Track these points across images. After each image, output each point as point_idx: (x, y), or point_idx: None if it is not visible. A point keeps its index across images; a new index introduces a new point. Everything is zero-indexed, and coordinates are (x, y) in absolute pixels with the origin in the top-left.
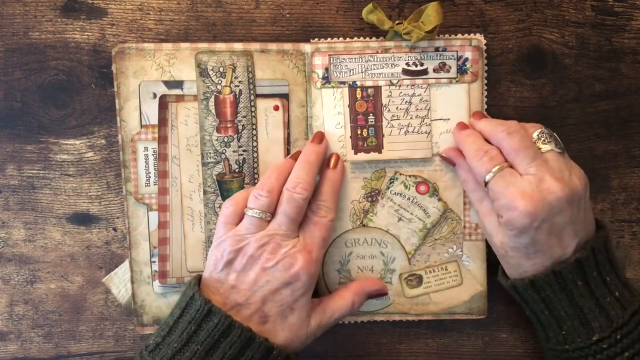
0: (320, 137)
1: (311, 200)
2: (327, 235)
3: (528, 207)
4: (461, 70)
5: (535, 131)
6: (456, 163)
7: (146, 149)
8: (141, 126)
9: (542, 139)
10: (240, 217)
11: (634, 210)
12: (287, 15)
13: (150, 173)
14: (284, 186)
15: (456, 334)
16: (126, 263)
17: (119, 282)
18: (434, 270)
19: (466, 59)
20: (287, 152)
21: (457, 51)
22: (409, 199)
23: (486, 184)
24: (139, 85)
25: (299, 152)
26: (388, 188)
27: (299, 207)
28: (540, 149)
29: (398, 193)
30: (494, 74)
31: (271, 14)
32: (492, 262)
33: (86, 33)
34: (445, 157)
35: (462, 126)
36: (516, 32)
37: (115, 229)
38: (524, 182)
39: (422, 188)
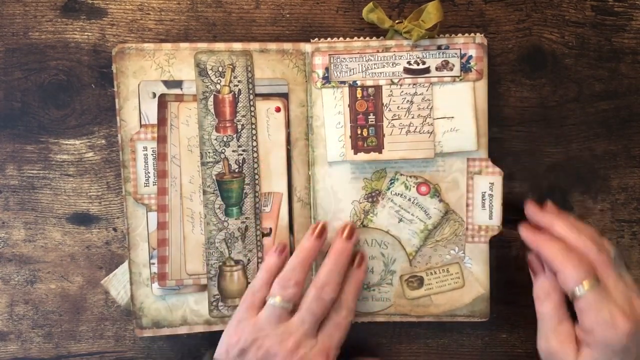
0: (351, 232)
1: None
2: (344, 336)
3: (629, 326)
4: (465, 68)
5: (612, 250)
6: (537, 274)
7: (145, 148)
8: (140, 126)
9: (617, 259)
10: (263, 302)
11: (634, 210)
12: (287, 16)
13: (149, 173)
14: (312, 283)
15: (456, 334)
16: (125, 264)
17: (118, 284)
18: (435, 272)
19: (470, 57)
20: (288, 152)
21: (460, 49)
22: (409, 199)
23: (576, 296)
24: (139, 85)
25: (321, 227)
26: (388, 189)
27: (326, 308)
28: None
29: (398, 194)
30: (494, 74)
31: (271, 14)
32: (495, 265)
33: (86, 33)
34: (531, 266)
35: (533, 227)
36: (516, 32)
37: (115, 229)
38: (620, 300)
39: (423, 189)
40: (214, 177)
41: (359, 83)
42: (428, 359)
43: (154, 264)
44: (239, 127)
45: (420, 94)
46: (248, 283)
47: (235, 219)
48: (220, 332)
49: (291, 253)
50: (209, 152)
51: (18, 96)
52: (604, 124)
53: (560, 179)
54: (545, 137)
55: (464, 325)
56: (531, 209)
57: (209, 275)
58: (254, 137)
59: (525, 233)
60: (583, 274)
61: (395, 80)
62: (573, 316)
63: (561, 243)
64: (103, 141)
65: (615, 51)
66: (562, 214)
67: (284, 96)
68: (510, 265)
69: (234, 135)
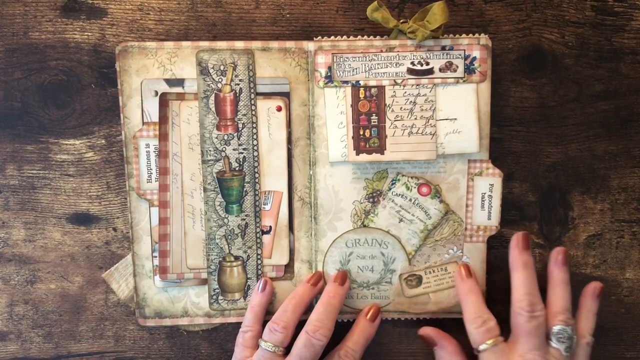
0: (343, 278)
1: (340, 344)
2: None
3: None
4: (469, 70)
5: (559, 325)
6: (438, 344)
7: (148, 145)
8: (143, 123)
9: (560, 336)
10: (255, 340)
11: (634, 210)
12: (287, 16)
13: (151, 169)
14: (304, 328)
15: (456, 334)
16: (127, 258)
17: (119, 277)
18: (433, 271)
19: (474, 58)
20: (289, 151)
21: (464, 50)
22: (410, 200)
23: (479, 352)
24: (141, 83)
25: (317, 276)
26: (389, 189)
27: (317, 353)
28: (550, 341)
29: (399, 194)
30: (494, 74)
31: (271, 14)
32: (492, 264)
33: (86, 33)
34: (425, 337)
35: (466, 273)
36: (516, 32)
37: (115, 229)
38: None
39: (424, 190)
40: (214, 175)
41: (361, 83)
42: (428, 359)
43: (156, 257)
44: (240, 125)
45: (423, 95)
46: (247, 278)
47: (236, 216)
48: (219, 327)
49: (291, 251)
50: (210, 150)
51: (18, 96)
52: (604, 124)
53: (560, 179)
54: (545, 137)
55: (464, 324)
56: (514, 242)
57: (209, 270)
58: (255, 136)
59: (458, 275)
60: (485, 336)
61: (399, 81)
62: None
63: (476, 294)
64: (103, 141)
65: (615, 51)
66: (559, 266)
67: (286, 95)
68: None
69: (235, 134)
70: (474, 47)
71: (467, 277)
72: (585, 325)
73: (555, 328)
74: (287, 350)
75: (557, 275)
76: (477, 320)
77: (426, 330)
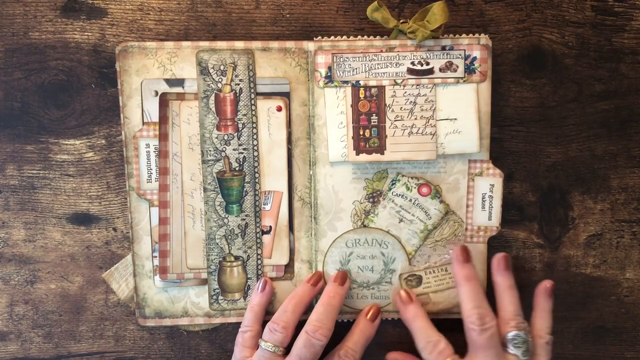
0: (343, 278)
1: (340, 344)
2: None
3: None
4: (469, 70)
5: (512, 332)
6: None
7: (148, 145)
8: (143, 123)
9: (515, 341)
10: (254, 340)
11: (634, 210)
12: (287, 16)
13: (151, 169)
14: (304, 328)
15: (456, 333)
16: (127, 258)
17: (119, 277)
18: (433, 271)
19: (474, 58)
20: (289, 151)
21: (464, 50)
22: (410, 200)
23: None
24: (141, 83)
25: (317, 276)
26: (390, 189)
27: (316, 353)
28: (506, 348)
29: (399, 194)
30: (494, 74)
31: (271, 14)
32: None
33: (86, 33)
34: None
35: (407, 299)
36: (516, 32)
37: (115, 229)
38: None
39: (424, 190)
40: (214, 175)
41: (361, 83)
42: None
43: (156, 257)
44: (240, 125)
45: (423, 95)
46: (247, 278)
47: (236, 216)
48: (219, 327)
49: (291, 251)
50: (210, 150)
51: (18, 96)
52: (604, 124)
53: (560, 179)
54: (545, 137)
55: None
56: (454, 257)
57: (209, 270)
58: (255, 136)
59: (399, 302)
60: (438, 358)
61: (399, 81)
62: None
63: (423, 319)
64: (103, 141)
65: (615, 51)
66: (500, 273)
67: (286, 95)
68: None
69: (235, 134)
70: (474, 47)
71: (408, 303)
72: (542, 325)
73: (509, 334)
74: (287, 350)
75: (501, 282)
76: (428, 346)
77: (393, 355)
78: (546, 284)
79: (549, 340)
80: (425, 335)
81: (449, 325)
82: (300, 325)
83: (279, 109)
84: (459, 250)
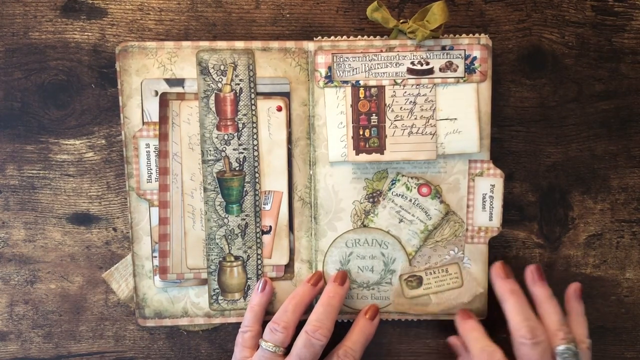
0: (343, 278)
1: (340, 344)
2: None
3: None
4: (469, 70)
5: (562, 346)
6: (460, 355)
7: (148, 145)
8: (143, 123)
9: (565, 355)
10: (254, 340)
11: (634, 210)
12: (287, 16)
13: (151, 169)
14: (304, 328)
15: (456, 333)
16: (127, 258)
17: (119, 277)
18: (434, 272)
19: (474, 58)
20: (289, 151)
21: (464, 50)
22: (410, 200)
23: None
24: (141, 83)
25: (317, 276)
26: (390, 189)
27: (316, 353)
28: None
29: (399, 194)
30: (494, 74)
31: (271, 14)
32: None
33: (86, 33)
34: (451, 345)
35: (465, 315)
36: (516, 32)
37: (115, 229)
38: None
39: (424, 190)
40: (214, 175)
41: (361, 83)
42: (428, 359)
43: (156, 257)
44: (240, 125)
45: (423, 95)
46: (247, 278)
47: (236, 216)
48: (219, 327)
49: (291, 251)
50: (210, 150)
51: (18, 96)
52: (604, 124)
53: (560, 179)
54: (545, 137)
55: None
56: (494, 273)
57: (209, 270)
58: (255, 136)
59: (458, 318)
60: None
61: (399, 81)
62: None
63: (479, 332)
64: (103, 141)
65: (615, 51)
66: (537, 284)
67: (286, 95)
68: (510, 265)
69: (235, 134)
70: (474, 46)
71: (467, 318)
72: (580, 331)
73: (559, 348)
74: (287, 350)
75: (540, 293)
76: (483, 355)
77: (453, 340)
78: (575, 286)
79: (589, 344)
80: (481, 344)
81: (451, 327)
82: (300, 325)
83: (279, 109)
84: (499, 266)
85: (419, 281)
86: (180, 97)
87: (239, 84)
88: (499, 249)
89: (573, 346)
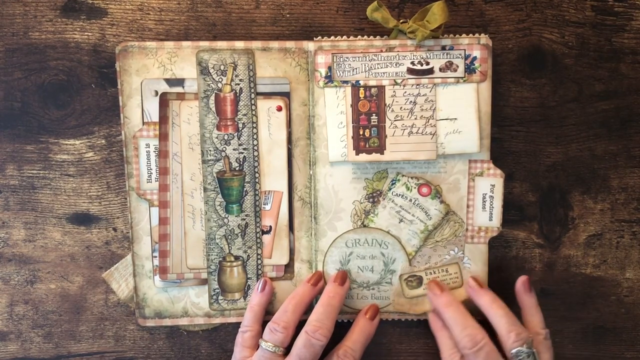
0: (343, 278)
1: (339, 344)
2: None
3: None
4: (469, 70)
5: (515, 349)
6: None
7: (148, 145)
8: (143, 123)
9: (520, 357)
10: (254, 340)
11: (634, 210)
12: (287, 16)
13: (151, 169)
14: (304, 328)
15: None
16: (127, 258)
17: (119, 277)
18: (434, 272)
19: (475, 58)
20: (289, 151)
21: (464, 50)
22: (410, 200)
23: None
24: (141, 83)
25: (317, 276)
26: (390, 189)
27: (316, 353)
28: None
29: (399, 194)
30: (494, 74)
31: (271, 14)
32: (495, 265)
33: (86, 33)
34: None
35: (436, 287)
36: (516, 32)
37: (115, 229)
38: None
39: (424, 190)
40: (214, 175)
41: (361, 83)
42: (428, 359)
43: (156, 257)
44: (240, 125)
45: (423, 95)
46: (247, 278)
47: (236, 216)
48: (219, 327)
49: (291, 251)
50: (210, 150)
51: (18, 96)
52: (604, 124)
53: (560, 179)
54: (545, 137)
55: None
56: (429, 291)
57: (209, 270)
58: (255, 136)
59: (430, 294)
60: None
61: (399, 81)
62: None
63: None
64: (103, 141)
65: (615, 51)
66: (480, 292)
67: (286, 95)
68: (510, 265)
69: (235, 134)
70: (474, 46)
71: (438, 291)
72: (535, 321)
73: (512, 351)
74: (287, 350)
75: (484, 301)
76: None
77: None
78: (522, 279)
79: (545, 334)
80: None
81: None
82: (300, 325)
83: (279, 108)
84: (432, 284)
85: (419, 281)
86: (180, 97)
87: (239, 84)
88: (499, 249)
89: (526, 347)
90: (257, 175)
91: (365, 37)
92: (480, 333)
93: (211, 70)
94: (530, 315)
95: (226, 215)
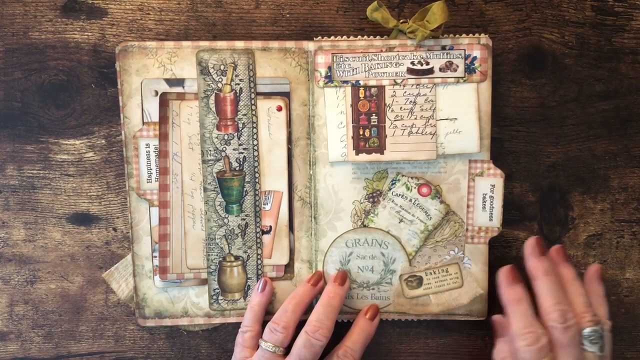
0: (343, 278)
1: (339, 344)
2: None
3: None
4: (469, 70)
5: (589, 328)
6: (499, 336)
7: (148, 145)
8: (143, 123)
9: (592, 338)
10: (254, 340)
11: (634, 210)
12: (287, 16)
13: (151, 169)
14: (304, 328)
15: (456, 334)
16: (127, 258)
17: (119, 277)
18: (434, 272)
19: (475, 58)
20: (289, 151)
21: (464, 50)
22: (410, 200)
23: None
24: (141, 82)
25: (317, 276)
26: (390, 189)
27: (316, 353)
28: (583, 346)
29: (399, 194)
30: (494, 74)
31: (271, 14)
32: (494, 265)
33: (86, 33)
34: (494, 324)
35: (512, 279)
36: (516, 32)
37: (115, 229)
38: None
39: (424, 190)
40: (214, 175)
41: (361, 83)
42: (428, 359)
43: (156, 257)
44: (240, 125)
45: (423, 95)
46: (247, 278)
47: (236, 216)
48: (219, 327)
49: (291, 251)
50: (210, 150)
51: (18, 96)
52: (604, 124)
53: (560, 179)
54: (545, 137)
55: (464, 325)
56: (529, 250)
57: (209, 270)
58: (255, 136)
59: (503, 281)
60: (537, 355)
61: (399, 81)
62: None
63: (526, 305)
64: (103, 141)
65: (615, 51)
66: (562, 264)
67: (286, 95)
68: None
69: (235, 134)
70: (475, 46)
71: (515, 282)
72: (601, 312)
73: (586, 330)
74: (287, 350)
75: (566, 274)
76: (528, 336)
77: (497, 317)
78: (596, 267)
79: (609, 326)
80: (526, 321)
81: (451, 327)
82: (300, 325)
83: (279, 108)
84: (534, 242)
85: (419, 281)
86: (180, 97)
87: (239, 84)
88: (499, 249)
89: (600, 328)
90: (257, 175)
91: (365, 37)
92: (572, 313)
93: (211, 70)
94: (597, 304)
95: (226, 215)
